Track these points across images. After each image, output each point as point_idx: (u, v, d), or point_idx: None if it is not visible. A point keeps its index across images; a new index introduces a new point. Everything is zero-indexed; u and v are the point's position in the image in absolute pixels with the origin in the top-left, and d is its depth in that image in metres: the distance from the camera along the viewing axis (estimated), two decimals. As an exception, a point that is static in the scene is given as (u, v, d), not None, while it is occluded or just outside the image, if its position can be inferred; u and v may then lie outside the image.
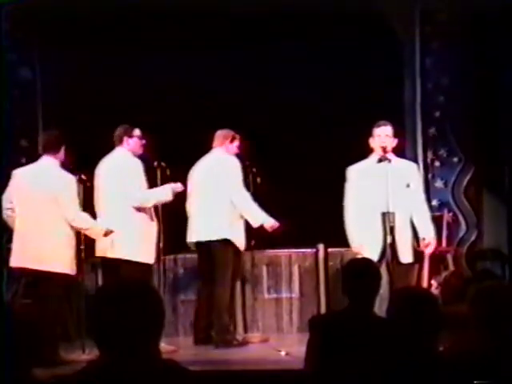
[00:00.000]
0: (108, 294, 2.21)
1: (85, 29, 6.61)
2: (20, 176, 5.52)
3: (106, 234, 5.48)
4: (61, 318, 5.42)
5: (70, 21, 6.54)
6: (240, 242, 6.02)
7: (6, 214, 5.49)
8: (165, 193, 5.73)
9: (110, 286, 2.37)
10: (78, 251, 5.55)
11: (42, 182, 5.41)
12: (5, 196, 5.49)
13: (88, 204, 5.65)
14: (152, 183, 5.80)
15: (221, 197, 5.96)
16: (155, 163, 5.84)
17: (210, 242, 5.98)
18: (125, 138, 5.73)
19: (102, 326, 2.14)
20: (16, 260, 5.43)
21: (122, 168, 5.69)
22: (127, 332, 2.12)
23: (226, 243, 5.95)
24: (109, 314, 2.14)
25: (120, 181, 5.63)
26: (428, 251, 5.80)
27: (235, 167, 6.00)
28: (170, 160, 5.94)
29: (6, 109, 4.50)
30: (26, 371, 2.25)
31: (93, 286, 6.08)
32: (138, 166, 5.71)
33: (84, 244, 5.57)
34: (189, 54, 6.95)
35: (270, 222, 5.96)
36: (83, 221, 5.43)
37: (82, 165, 5.71)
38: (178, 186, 5.80)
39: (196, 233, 6.07)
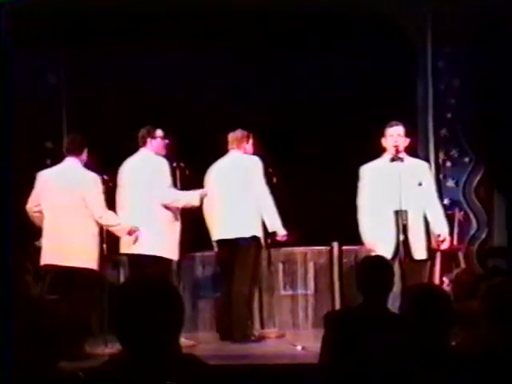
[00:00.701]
0: (129, 291, 2.26)
1: (108, 31, 6.67)
2: (45, 177, 5.66)
3: (131, 231, 5.59)
4: (85, 314, 5.56)
5: (93, 24, 6.62)
6: (263, 239, 6.11)
7: (33, 215, 5.64)
8: (195, 197, 5.82)
9: (131, 283, 2.43)
10: (101, 248, 5.68)
11: (67, 181, 5.53)
12: (31, 198, 5.64)
13: (110, 204, 5.76)
14: (172, 183, 5.89)
15: (246, 196, 6.03)
16: (174, 164, 5.90)
17: (237, 239, 6.06)
18: (148, 139, 5.82)
19: (124, 322, 2.19)
20: (45, 258, 5.59)
21: (149, 167, 5.76)
22: (148, 327, 2.17)
23: (253, 240, 6.05)
24: (130, 309, 2.18)
25: (149, 179, 5.69)
26: (443, 247, 5.85)
27: (260, 167, 6.08)
28: (188, 161, 6.04)
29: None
30: (53, 364, 2.32)
31: (115, 282, 6.20)
32: (165, 165, 5.79)
33: (106, 241, 5.69)
34: (205, 55, 7.01)
35: (282, 232, 6.07)
36: (111, 218, 5.55)
37: (105, 166, 5.81)
38: (205, 192, 5.91)
39: (222, 230, 6.13)
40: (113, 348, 4.97)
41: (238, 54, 7.01)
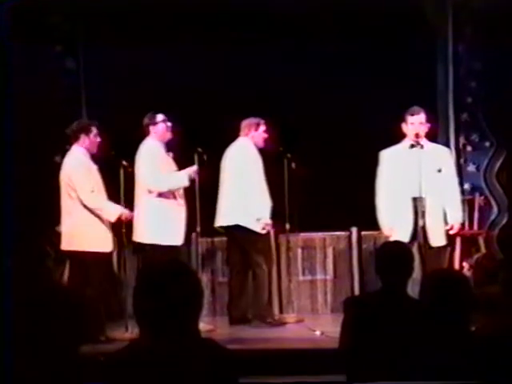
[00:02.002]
0: (149, 276, 2.28)
1: (125, 19, 6.70)
2: (63, 165, 5.75)
3: (121, 216, 5.59)
4: (105, 299, 5.61)
5: (111, 12, 6.64)
6: (254, 225, 6.10)
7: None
8: (180, 178, 5.79)
9: (150, 269, 2.43)
10: (119, 234, 5.73)
11: (69, 168, 5.62)
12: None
13: (130, 189, 5.81)
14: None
15: (233, 184, 6.10)
16: (192, 149, 5.91)
17: (230, 226, 6.14)
18: (151, 127, 5.85)
19: (143, 307, 2.21)
20: (64, 244, 5.67)
21: (141, 153, 5.82)
22: (167, 312, 2.18)
23: (240, 228, 6.08)
24: (149, 294, 2.21)
25: (139, 166, 5.78)
26: (452, 233, 5.84)
27: (244, 156, 6.12)
28: (207, 145, 6.05)
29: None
30: (75, 348, 2.33)
31: (134, 268, 6.25)
32: (155, 150, 5.80)
33: (125, 227, 5.74)
34: (222, 40, 7.00)
35: (267, 221, 6.08)
36: (95, 201, 5.56)
37: (124, 151, 5.85)
38: (194, 170, 5.83)
39: (222, 217, 6.19)
40: (133, 333, 5.02)
41: (256, 38, 6.98)
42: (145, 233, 5.76)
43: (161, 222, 5.74)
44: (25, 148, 6.13)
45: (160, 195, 5.78)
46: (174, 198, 5.84)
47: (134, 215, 5.75)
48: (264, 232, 6.14)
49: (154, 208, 5.76)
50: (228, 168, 6.17)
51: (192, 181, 5.81)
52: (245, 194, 6.07)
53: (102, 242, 5.59)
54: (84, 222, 5.55)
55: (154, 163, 5.77)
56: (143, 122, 5.88)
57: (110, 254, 5.68)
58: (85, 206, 5.55)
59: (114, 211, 5.59)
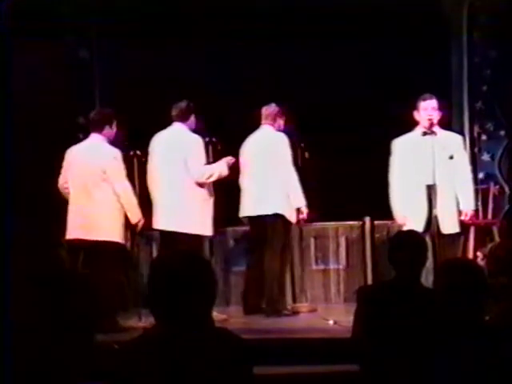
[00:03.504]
0: (163, 265, 2.28)
1: (138, 10, 6.71)
2: (72, 153, 5.71)
3: (140, 221, 5.56)
4: (119, 288, 5.63)
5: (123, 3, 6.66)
6: (291, 215, 6.12)
7: (64, 192, 5.70)
8: (221, 168, 5.82)
9: (164, 258, 2.42)
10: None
11: (90, 157, 5.57)
12: (61, 175, 5.70)
13: (142, 179, 5.82)
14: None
15: (272, 173, 6.04)
16: (207, 139, 5.90)
17: (262, 216, 6.09)
18: (191, 116, 5.79)
19: (157, 296, 2.21)
20: (70, 232, 5.64)
21: (186, 145, 5.76)
22: (181, 301, 2.18)
23: (278, 217, 6.06)
24: (163, 284, 2.20)
25: (184, 158, 5.70)
26: (466, 220, 5.81)
27: (286, 144, 6.07)
28: (220, 135, 6.05)
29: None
30: (89, 337, 2.33)
31: (147, 257, 6.27)
32: (201, 143, 5.80)
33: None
34: (241, 31, 6.99)
35: (304, 211, 6.06)
36: (131, 198, 5.54)
37: (137, 141, 5.85)
38: (230, 159, 5.88)
39: (248, 207, 6.18)
40: (146, 322, 5.04)
41: (271, 30, 6.96)
42: (180, 222, 5.70)
43: (197, 212, 5.72)
44: (36, 138, 6.16)
45: (199, 186, 5.74)
46: (207, 187, 5.81)
47: (154, 205, 5.70)
48: (296, 222, 6.15)
49: (190, 197, 5.73)
50: (262, 156, 6.08)
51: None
52: (287, 183, 6.02)
53: (117, 231, 5.57)
54: (100, 212, 5.54)
55: (204, 155, 5.78)
56: (178, 107, 5.79)
57: (125, 243, 5.68)
58: (117, 196, 5.50)
59: (138, 213, 5.57)
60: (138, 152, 5.75)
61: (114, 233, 5.55)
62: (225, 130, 6.15)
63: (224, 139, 6.06)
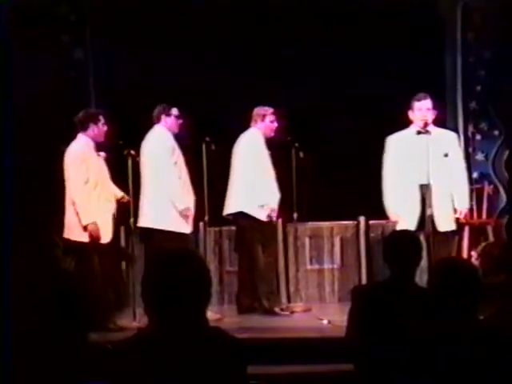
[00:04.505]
0: (158, 264, 2.28)
1: (133, 10, 6.70)
2: (66, 154, 5.73)
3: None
4: (113, 287, 5.63)
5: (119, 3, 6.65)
6: (257, 213, 6.11)
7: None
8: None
9: (159, 256, 2.41)
10: (127, 222, 5.75)
11: (77, 157, 5.61)
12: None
13: (137, 178, 5.82)
14: (198, 158, 5.92)
15: (237, 172, 6.14)
16: (200, 138, 5.93)
17: (231, 214, 6.17)
18: (162, 117, 5.89)
19: (152, 295, 2.22)
20: (67, 233, 5.67)
21: (158, 143, 5.84)
22: (175, 300, 2.18)
23: (241, 215, 6.11)
24: (157, 282, 2.21)
25: (156, 155, 5.79)
26: (462, 220, 5.82)
27: (249, 143, 6.14)
28: (216, 136, 6.05)
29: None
30: (84, 336, 2.36)
31: (142, 256, 6.26)
32: (170, 142, 5.83)
33: (133, 216, 5.75)
34: (233, 29, 6.98)
35: (271, 208, 6.08)
36: (83, 195, 5.54)
37: (131, 140, 5.85)
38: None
39: (228, 206, 6.23)
40: (141, 321, 5.04)
41: (267, 29, 6.97)
42: (152, 218, 5.77)
43: (170, 209, 5.76)
44: (32, 139, 6.14)
45: (172, 184, 5.79)
46: (183, 186, 5.84)
47: (141, 202, 5.76)
48: (267, 220, 6.14)
49: (163, 195, 5.78)
50: (237, 158, 6.20)
51: (200, 170, 5.87)
52: (249, 182, 6.10)
53: (108, 231, 5.58)
54: (85, 212, 5.54)
55: (172, 156, 5.84)
56: (156, 110, 5.90)
57: (119, 242, 5.68)
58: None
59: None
60: (132, 151, 5.75)
61: (104, 232, 5.54)
62: (218, 130, 6.14)
63: (217, 139, 6.05)
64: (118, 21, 6.73)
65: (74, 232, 5.61)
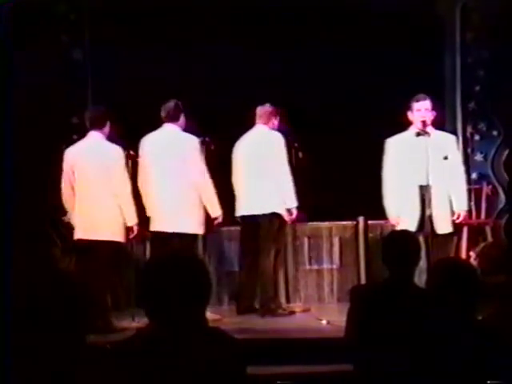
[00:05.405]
0: (156, 265, 2.29)
1: (133, 10, 6.71)
2: (72, 154, 5.66)
3: (129, 228, 5.52)
4: (112, 288, 5.62)
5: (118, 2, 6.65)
6: (285, 215, 6.11)
7: (69, 200, 5.63)
8: (215, 208, 5.76)
9: (158, 257, 2.45)
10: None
11: (93, 155, 5.53)
12: (63, 178, 5.63)
13: (135, 178, 5.82)
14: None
15: (267, 172, 6.03)
16: (200, 138, 5.88)
17: (256, 215, 6.09)
18: (181, 115, 5.72)
19: (151, 296, 2.23)
20: (77, 233, 5.63)
21: (183, 145, 5.71)
22: (175, 301, 2.19)
23: (272, 217, 6.07)
24: (157, 283, 2.22)
25: (182, 158, 5.66)
26: (459, 222, 5.82)
27: (281, 144, 6.05)
28: (213, 135, 6.05)
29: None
30: (81, 337, 2.33)
31: (141, 256, 6.26)
32: (196, 141, 5.72)
33: (138, 215, 5.72)
34: (234, 29, 6.99)
35: (294, 212, 6.05)
36: (127, 203, 5.48)
37: (131, 141, 5.84)
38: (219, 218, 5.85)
39: (243, 207, 6.17)
40: (140, 322, 5.04)
41: (267, 29, 6.97)
42: (169, 221, 5.69)
43: (185, 211, 5.70)
44: (32, 139, 6.15)
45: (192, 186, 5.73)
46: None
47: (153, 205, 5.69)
48: (290, 222, 6.16)
49: (184, 198, 5.72)
50: (256, 156, 6.06)
51: None
52: (284, 182, 6.01)
53: (113, 231, 5.55)
54: (97, 211, 5.50)
55: (202, 157, 5.78)
56: (167, 107, 5.72)
57: (119, 243, 5.66)
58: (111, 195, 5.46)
59: (134, 217, 5.52)
60: (132, 152, 5.74)
61: (115, 233, 5.51)
62: (217, 129, 6.13)
63: (217, 139, 6.05)
64: (117, 21, 6.73)
65: (81, 232, 5.52)
